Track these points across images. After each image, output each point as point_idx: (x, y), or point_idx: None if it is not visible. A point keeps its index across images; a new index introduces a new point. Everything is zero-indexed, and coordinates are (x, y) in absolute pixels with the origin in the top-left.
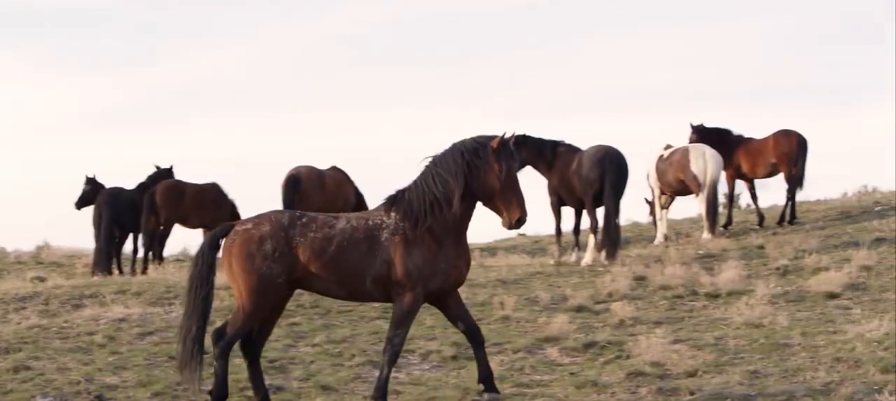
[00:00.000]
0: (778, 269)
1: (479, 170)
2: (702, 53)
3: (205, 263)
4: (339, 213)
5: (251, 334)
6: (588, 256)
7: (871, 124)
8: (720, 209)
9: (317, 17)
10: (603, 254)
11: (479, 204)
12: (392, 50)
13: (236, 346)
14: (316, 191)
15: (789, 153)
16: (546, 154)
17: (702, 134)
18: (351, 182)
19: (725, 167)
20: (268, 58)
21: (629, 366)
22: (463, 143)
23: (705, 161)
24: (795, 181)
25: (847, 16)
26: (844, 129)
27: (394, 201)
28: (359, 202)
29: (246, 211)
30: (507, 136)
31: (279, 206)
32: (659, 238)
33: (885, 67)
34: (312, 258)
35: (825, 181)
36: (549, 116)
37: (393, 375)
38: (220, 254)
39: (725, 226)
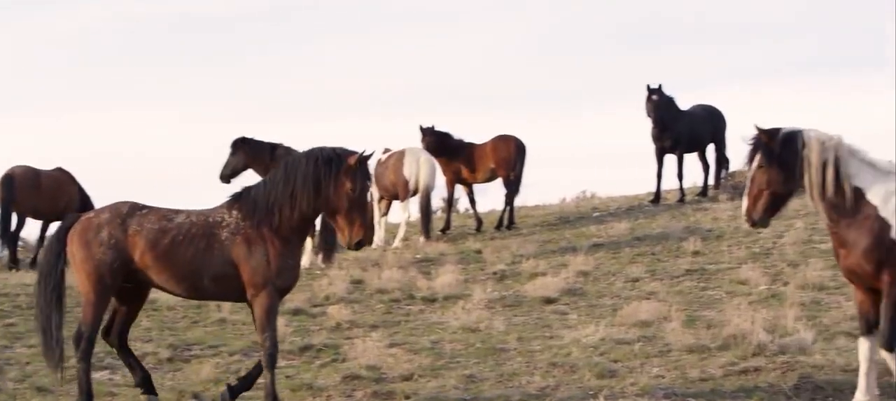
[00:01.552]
0: (495, 273)
1: (330, 181)
2: (429, 56)
3: (53, 253)
4: (64, 213)
5: (111, 325)
6: (305, 259)
7: (591, 130)
8: (438, 213)
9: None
10: (320, 257)
11: None
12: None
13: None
14: (31, 191)
15: (507, 158)
16: (264, 157)
17: (432, 136)
18: (76, 183)
19: (445, 171)
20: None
21: (345, 369)
22: (321, 150)
23: (418, 166)
24: (513, 186)
25: (567, 21)
26: (564, 134)
27: (237, 199)
28: (84, 204)
29: None
30: (365, 154)
31: None
32: (377, 242)
33: (604, 73)
34: (146, 249)
35: (544, 186)
36: (274, 120)
37: (107, 377)
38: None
39: (443, 230)
